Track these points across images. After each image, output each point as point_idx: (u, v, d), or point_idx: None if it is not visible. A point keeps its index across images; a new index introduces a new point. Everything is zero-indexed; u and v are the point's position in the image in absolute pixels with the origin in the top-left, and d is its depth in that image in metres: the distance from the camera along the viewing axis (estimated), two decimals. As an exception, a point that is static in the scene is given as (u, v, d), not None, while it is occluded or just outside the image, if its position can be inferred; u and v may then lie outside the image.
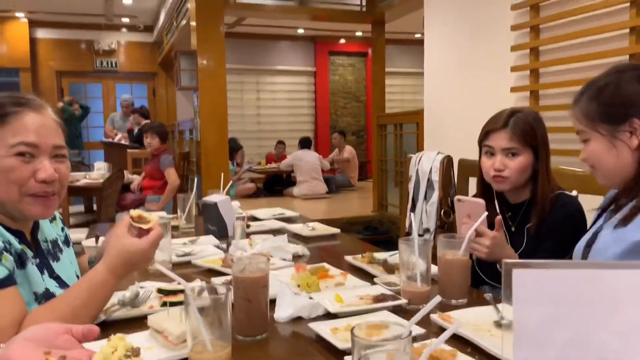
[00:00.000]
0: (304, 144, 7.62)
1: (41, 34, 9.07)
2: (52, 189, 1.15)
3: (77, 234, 2.65)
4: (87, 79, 9.75)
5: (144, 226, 1.13)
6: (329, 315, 1.21)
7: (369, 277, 1.53)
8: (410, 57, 10.33)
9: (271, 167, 8.16)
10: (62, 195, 1.21)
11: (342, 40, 10.32)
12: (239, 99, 9.66)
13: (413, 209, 2.84)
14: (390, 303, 1.25)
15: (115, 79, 9.83)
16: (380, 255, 1.73)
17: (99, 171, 5.15)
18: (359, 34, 9.92)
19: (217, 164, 5.44)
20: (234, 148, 7.43)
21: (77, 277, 1.34)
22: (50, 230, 1.33)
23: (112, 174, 4.62)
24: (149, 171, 5.00)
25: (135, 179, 5.17)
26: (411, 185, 2.92)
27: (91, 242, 1.80)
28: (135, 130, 7.13)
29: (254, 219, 2.62)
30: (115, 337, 0.68)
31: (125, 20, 9.09)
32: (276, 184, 7.96)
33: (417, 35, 9.79)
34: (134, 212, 1.15)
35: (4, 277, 1.04)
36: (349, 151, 8.35)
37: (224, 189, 2.46)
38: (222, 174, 2.63)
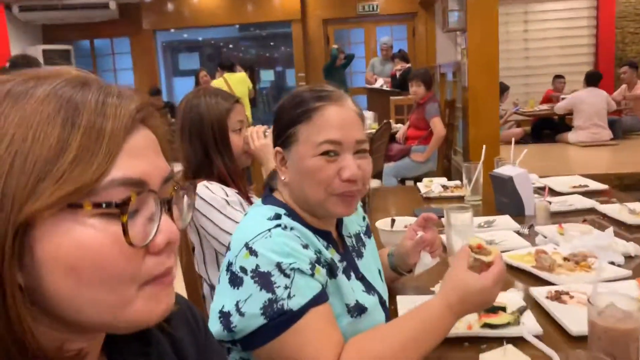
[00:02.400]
0: (591, 80, 6.37)
1: (309, -16, 9.59)
2: (357, 187, 1.06)
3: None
4: (350, 25, 10.06)
5: (485, 259, 0.95)
6: None
7: None
8: None
9: (542, 109, 7.29)
10: (364, 193, 1.11)
11: (635, -50, 8.49)
12: (504, 33, 8.79)
13: None
14: None
15: (376, 22, 9.93)
16: None
17: (367, 121, 5.27)
18: (660, -62, 8.00)
19: (487, 111, 5.01)
20: (501, 89, 6.84)
21: (379, 272, 1.26)
22: (352, 222, 1.26)
23: (380, 126, 4.68)
24: (413, 120, 4.91)
25: (400, 129, 5.16)
26: None
27: (386, 224, 1.73)
28: (397, 75, 7.12)
29: (551, 192, 2.26)
30: None
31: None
32: (546, 128, 7.13)
33: None
34: (474, 242, 0.98)
35: (319, 292, 0.98)
36: None
37: (514, 159, 2.16)
38: (513, 139, 2.32)
